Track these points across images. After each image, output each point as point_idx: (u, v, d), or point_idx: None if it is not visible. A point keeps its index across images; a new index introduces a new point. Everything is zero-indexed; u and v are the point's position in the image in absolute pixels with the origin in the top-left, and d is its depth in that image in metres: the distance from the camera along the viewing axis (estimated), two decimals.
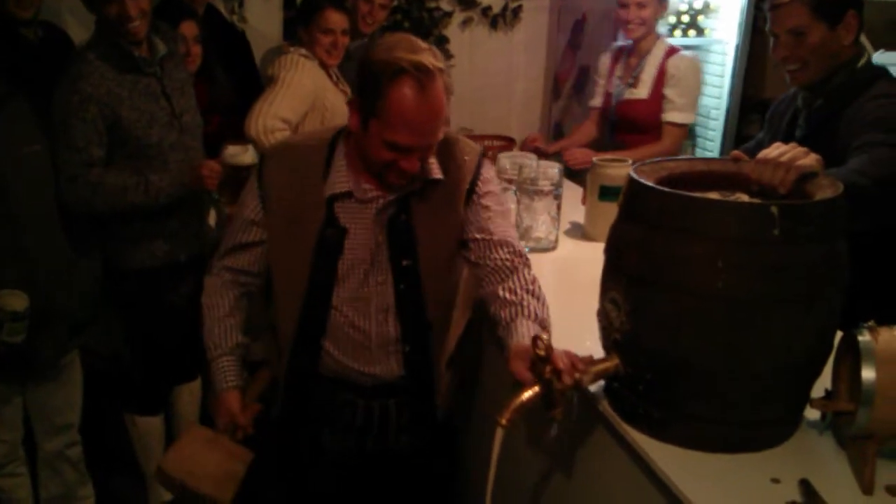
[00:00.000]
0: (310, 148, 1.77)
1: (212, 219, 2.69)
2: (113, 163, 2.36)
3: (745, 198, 1.47)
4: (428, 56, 1.57)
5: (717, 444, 1.34)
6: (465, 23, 4.19)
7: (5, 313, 2.12)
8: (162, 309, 2.54)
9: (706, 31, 4.09)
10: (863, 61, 2.01)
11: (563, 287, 1.60)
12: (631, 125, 3.23)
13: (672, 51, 3.19)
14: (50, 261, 2.28)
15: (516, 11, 4.22)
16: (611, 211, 1.48)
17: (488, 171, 1.81)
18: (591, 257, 1.61)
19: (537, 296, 1.68)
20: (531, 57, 4.37)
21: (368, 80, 1.57)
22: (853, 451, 1.31)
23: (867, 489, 1.23)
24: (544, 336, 1.38)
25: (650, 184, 1.34)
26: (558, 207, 2.32)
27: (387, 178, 1.66)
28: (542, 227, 2.30)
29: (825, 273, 1.27)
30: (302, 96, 2.86)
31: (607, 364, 1.40)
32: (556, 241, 2.34)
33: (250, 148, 2.43)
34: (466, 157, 1.77)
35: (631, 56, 3.27)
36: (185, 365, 2.78)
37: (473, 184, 1.76)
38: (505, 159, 2.49)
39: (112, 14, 2.28)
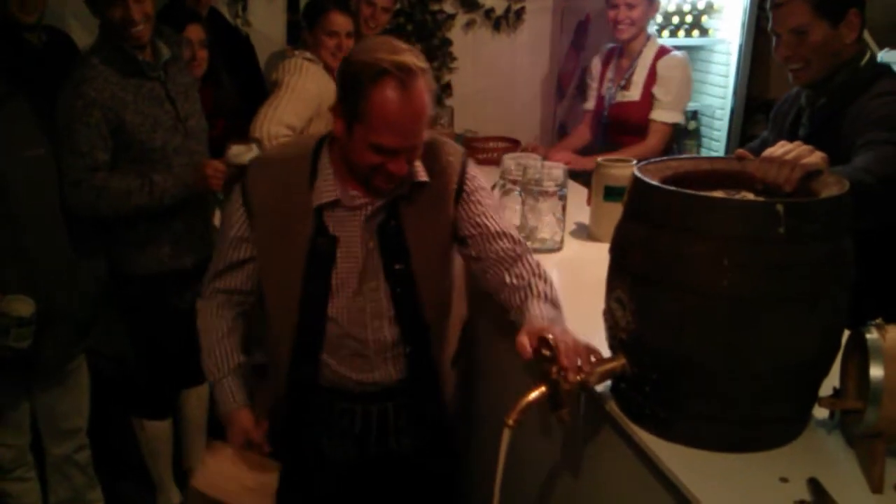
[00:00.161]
0: (293, 158, 1.76)
1: (217, 220, 2.69)
2: (117, 167, 2.37)
3: (750, 196, 1.47)
4: (409, 56, 1.55)
5: (724, 444, 1.33)
6: (469, 25, 4.19)
7: (11, 319, 2.12)
8: (167, 313, 2.54)
9: (710, 32, 4.08)
10: (865, 59, 2.00)
11: (569, 288, 1.60)
12: (624, 127, 3.23)
13: (662, 51, 3.18)
14: (51, 263, 2.28)
15: (519, 13, 4.23)
16: (616, 211, 1.47)
17: (473, 170, 1.80)
18: (596, 258, 1.60)
19: (544, 278, 1.68)
20: (535, 58, 4.37)
21: (350, 84, 1.56)
22: (862, 449, 1.30)
23: (876, 488, 1.23)
24: (550, 336, 1.38)
25: (655, 183, 1.34)
26: (563, 208, 2.31)
27: (374, 183, 1.65)
28: (547, 227, 2.30)
29: (831, 271, 1.27)
30: (306, 101, 2.86)
31: (614, 364, 1.40)
32: (562, 241, 2.34)
33: (254, 147, 2.44)
34: (451, 158, 1.76)
35: (622, 58, 3.27)
36: (192, 369, 2.76)
37: (461, 183, 1.75)
38: (509, 160, 2.48)
39: (116, 18, 2.29)
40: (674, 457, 1.32)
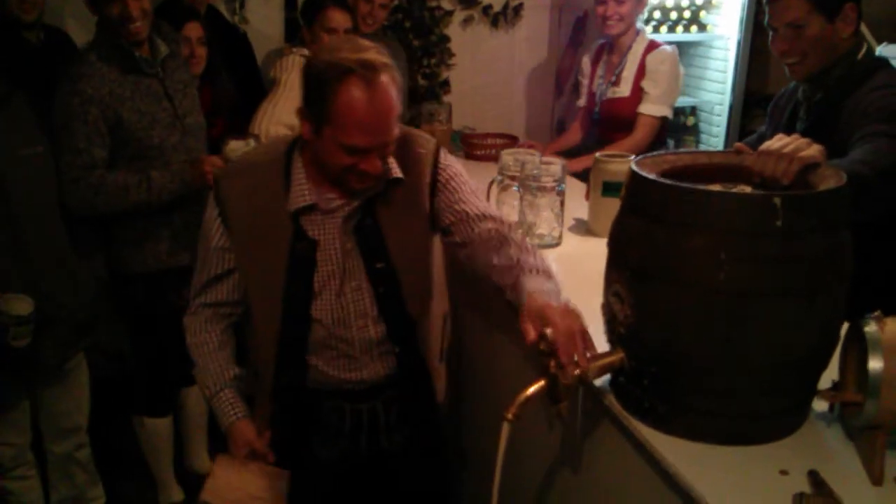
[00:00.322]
0: (265, 164, 1.74)
1: None
2: (115, 164, 2.37)
3: (747, 190, 1.46)
4: (373, 53, 1.54)
5: (723, 437, 1.33)
6: (467, 21, 4.19)
7: (10, 318, 2.12)
8: (166, 311, 2.54)
9: (708, 27, 4.09)
10: (862, 53, 2.00)
11: (568, 283, 1.59)
12: (615, 123, 3.21)
13: (652, 46, 3.17)
14: (51, 262, 2.28)
15: (517, 9, 4.23)
16: (614, 206, 1.47)
17: (446, 158, 1.78)
18: (595, 253, 1.60)
19: (532, 252, 1.66)
20: (533, 55, 4.37)
21: (315, 86, 1.54)
22: (862, 442, 1.30)
23: (876, 480, 1.23)
24: (548, 331, 1.38)
25: (652, 177, 1.34)
26: (561, 204, 2.31)
27: (349, 184, 1.63)
28: (545, 223, 2.30)
29: (828, 264, 1.27)
30: None
31: (612, 358, 1.40)
32: (560, 237, 2.34)
33: (252, 143, 2.43)
34: (422, 150, 1.75)
35: (612, 54, 3.26)
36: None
37: (435, 174, 1.74)
38: (507, 156, 2.48)
39: (114, 14, 2.29)
40: (673, 450, 1.32)
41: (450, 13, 4.13)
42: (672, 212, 1.28)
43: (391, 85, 1.55)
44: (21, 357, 2.19)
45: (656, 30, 3.97)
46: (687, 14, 4.03)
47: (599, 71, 3.31)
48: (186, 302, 1.95)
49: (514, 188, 2.37)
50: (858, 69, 1.98)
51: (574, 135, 3.50)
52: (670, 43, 3.25)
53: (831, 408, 1.40)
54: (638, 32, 3.20)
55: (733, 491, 1.21)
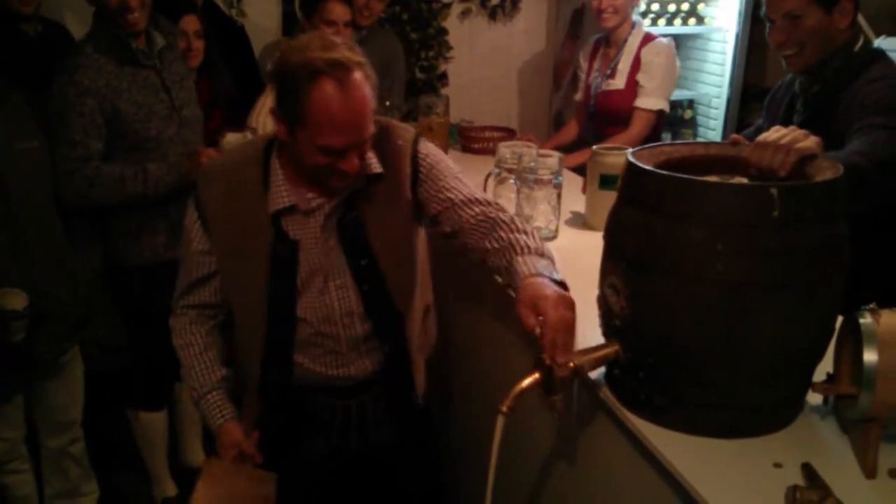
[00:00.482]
0: (242, 165, 1.72)
1: None
2: (111, 156, 2.36)
3: (744, 181, 1.46)
4: (343, 51, 1.51)
5: (718, 430, 1.32)
6: (464, 14, 4.19)
7: (5, 312, 2.11)
8: (163, 305, 2.53)
9: (706, 20, 4.08)
10: (859, 45, 2.00)
11: (565, 276, 1.58)
12: (610, 116, 3.21)
13: (648, 39, 3.16)
14: (47, 256, 2.27)
15: (515, 2, 4.23)
16: (611, 199, 1.46)
17: (425, 147, 1.76)
18: (591, 246, 1.60)
19: (524, 230, 1.64)
20: (531, 48, 4.36)
21: (286, 87, 1.52)
22: (856, 434, 1.30)
23: (870, 473, 1.22)
24: (537, 330, 1.37)
25: (648, 167, 1.33)
26: (558, 196, 2.30)
27: (328, 183, 1.62)
28: (542, 216, 2.29)
29: (826, 256, 1.26)
30: None
31: (607, 350, 1.39)
32: (557, 230, 2.33)
33: (249, 136, 2.43)
34: (401, 142, 1.73)
35: (609, 47, 3.25)
36: None
37: (415, 165, 1.72)
38: (505, 149, 2.48)
39: (112, 4, 2.27)
40: (668, 443, 1.31)
41: (447, 6, 4.12)
42: (669, 203, 1.27)
43: (364, 82, 1.52)
44: (15, 351, 2.18)
45: (654, 22, 3.97)
46: (685, 6, 4.03)
47: (596, 64, 3.30)
48: None
49: (511, 181, 2.36)
50: (855, 61, 1.98)
51: (571, 130, 3.49)
52: (668, 35, 3.24)
53: (825, 400, 1.40)
54: (634, 25, 3.19)
55: (727, 483, 1.21)
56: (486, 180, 2.47)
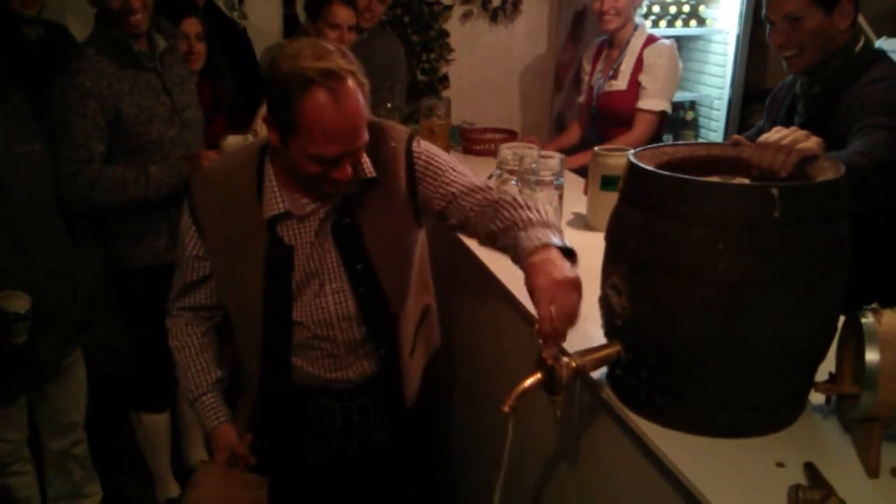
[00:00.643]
0: (236, 171, 1.72)
1: None
2: (113, 158, 2.36)
3: (745, 182, 1.46)
4: (336, 59, 1.49)
5: (720, 429, 1.33)
6: (466, 16, 4.19)
7: (7, 315, 2.11)
8: (165, 308, 2.54)
9: (707, 21, 4.08)
10: (860, 46, 2.00)
11: None
12: (612, 118, 3.21)
13: (650, 40, 3.16)
14: (49, 259, 2.27)
15: (516, 4, 4.23)
16: (612, 200, 1.46)
17: (418, 145, 1.74)
18: (593, 246, 1.60)
19: (525, 205, 1.63)
20: (532, 50, 4.37)
21: (278, 95, 1.50)
22: (858, 434, 1.30)
23: (872, 472, 1.23)
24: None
25: (650, 168, 1.33)
26: (560, 198, 2.30)
27: (321, 190, 1.62)
28: None
29: (827, 256, 1.26)
30: None
31: (609, 351, 1.39)
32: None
33: (250, 138, 2.43)
34: (394, 144, 1.71)
35: (612, 48, 3.25)
36: None
37: (411, 166, 1.71)
38: (506, 150, 2.48)
39: (114, 6, 2.28)
40: (670, 443, 1.31)
41: (448, 8, 4.13)
42: (670, 203, 1.27)
43: (357, 91, 1.51)
44: (18, 354, 2.19)
45: (655, 24, 3.97)
46: (686, 8, 4.03)
47: (599, 66, 3.31)
48: None
49: (513, 182, 2.36)
50: (856, 62, 1.98)
51: (573, 133, 3.49)
52: (669, 37, 3.24)
53: (828, 400, 1.40)
54: (636, 27, 3.19)
55: (730, 483, 1.21)
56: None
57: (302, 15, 3.62)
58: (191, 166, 2.38)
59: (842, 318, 1.35)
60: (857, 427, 1.30)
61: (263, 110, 2.71)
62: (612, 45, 3.25)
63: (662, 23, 4.00)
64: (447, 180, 1.72)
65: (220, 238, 1.72)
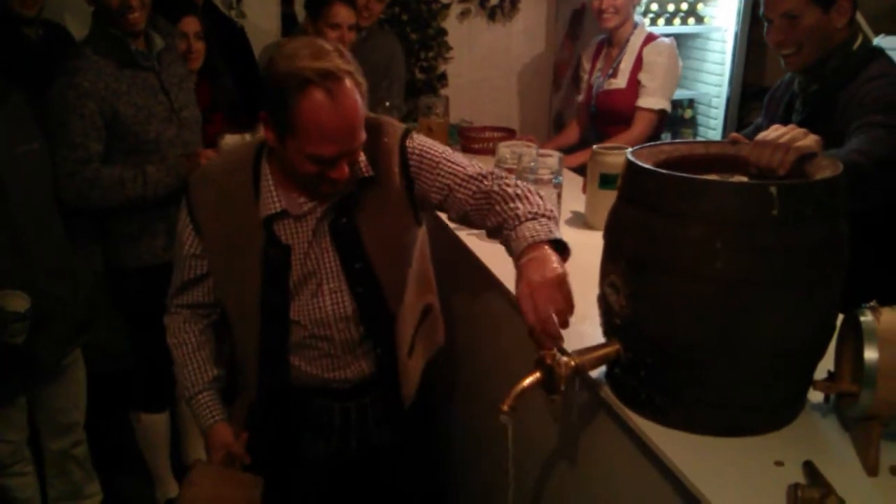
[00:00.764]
0: (233, 170, 1.71)
1: None
2: (111, 158, 2.36)
3: (743, 180, 1.46)
4: (334, 59, 1.49)
5: (719, 428, 1.33)
6: (464, 14, 4.19)
7: (6, 314, 2.11)
8: (163, 306, 2.54)
9: (705, 19, 4.08)
10: (857, 44, 2.00)
11: None
12: (611, 116, 3.21)
13: (650, 38, 3.16)
14: (48, 259, 2.27)
15: (514, 2, 4.23)
16: (611, 199, 1.46)
17: (413, 141, 1.73)
18: (591, 245, 1.60)
19: (515, 195, 1.62)
20: (530, 48, 4.37)
21: (275, 95, 1.49)
22: (857, 432, 1.30)
23: (872, 470, 1.22)
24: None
25: (648, 166, 1.33)
26: (559, 196, 2.30)
27: (318, 190, 1.61)
28: None
29: (825, 254, 1.26)
30: None
31: (608, 350, 1.39)
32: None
33: (248, 137, 2.43)
34: (387, 140, 1.70)
35: (611, 47, 3.25)
36: None
37: (405, 161, 1.70)
38: (504, 149, 2.48)
39: (113, 4, 2.27)
40: (669, 442, 1.31)
41: (447, 6, 4.13)
42: (668, 201, 1.27)
43: (354, 91, 1.50)
44: (18, 354, 2.19)
45: (654, 22, 3.97)
46: (684, 6, 4.03)
47: (598, 64, 3.30)
48: None
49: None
50: (854, 60, 1.98)
51: (572, 133, 3.49)
52: (667, 35, 3.24)
53: (827, 398, 1.40)
54: (636, 25, 3.19)
55: (728, 482, 1.21)
56: None
57: (300, 14, 3.62)
58: (189, 165, 2.37)
59: (841, 317, 1.35)
60: (856, 425, 1.30)
61: None
62: (612, 43, 3.24)
63: (661, 21, 4.00)
64: (442, 172, 1.71)
65: (218, 237, 1.72)
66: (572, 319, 1.44)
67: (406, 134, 1.74)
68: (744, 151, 1.50)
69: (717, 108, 4.15)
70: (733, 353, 1.27)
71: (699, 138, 4.20)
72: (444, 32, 4.16)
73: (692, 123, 4.35)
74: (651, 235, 1.29)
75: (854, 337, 1.30)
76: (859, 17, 2.07)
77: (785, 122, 1.72)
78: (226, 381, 1.89)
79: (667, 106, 3.18)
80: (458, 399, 2.41)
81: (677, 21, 4.03)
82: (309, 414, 1.85)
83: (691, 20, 4.05)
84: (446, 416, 2.41)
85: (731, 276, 1.22)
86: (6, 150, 2.16)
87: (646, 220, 1.30)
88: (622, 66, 3.17)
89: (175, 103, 2.47)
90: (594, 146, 2.44)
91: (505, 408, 1.35)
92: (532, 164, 2.28)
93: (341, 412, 1.85)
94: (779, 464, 1.25)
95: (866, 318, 1.26)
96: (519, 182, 1.69)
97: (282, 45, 1.60)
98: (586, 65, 3.40)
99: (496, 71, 4.33)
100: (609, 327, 1.43)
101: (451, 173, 1.70)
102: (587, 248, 1.61)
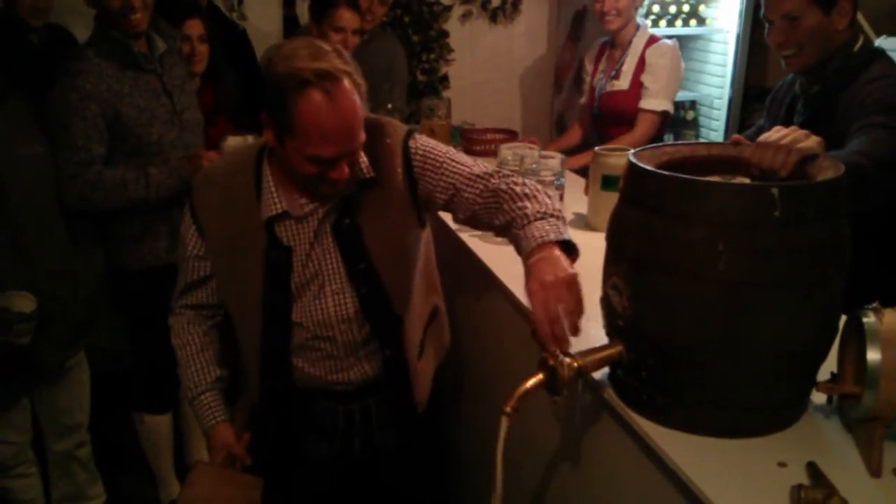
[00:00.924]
0: (235, 172, 1.72)
1: None
2: (113, 160, 2.37)
3: (745, 181, 1.46)
4: (332, 59, 1.49)
5: (722, 430, 1.33)
6: (465, 16, 4.19)
7: (12, 315, 2.12)
8: (166, 308, 2.54)
9: (707, 21, 4.09)
10: (858, 45, 2.00)
11: None
12: (614, 118, 3.21)
13: (653, 40, 3.17)
14: (50, 260, 2.28)
15: (516, 4, 4.23)
16: (613, 200, 1.46)
17: (415, 141, 1.72)
18: (594, 247, 1.60)
19: (527, 194, 1.62)
20: (531, 50, 4.37)
21: (274, 96, 1.49)
22: (860, 433, 1.30)
23: (875, 472, 1.22)
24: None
25: (650, 168, 1.33)
26: (561, 198, 2.31)
27: (319, 190, 1.61)
28: None
29: (827, 255, 1.26)
30: None
31: (611, 351, 1.39)
32: None
33: (250, 139, 2.43)
34: (389, 141, 1.70)
35: (614, 49, 3.25)
36: None
37: (408, 162, 1.70)
38: (506, 150, 2.48)
39: (115, 6, 2.28)
40: (671, 443, 1.31)
41: (448, 8, 4.13)
42: (670, 203, 1.27)
43: (353, 91, 1.50)
44: (21, 355, 2.19)
45: (655, 24, 3.97)
46: (686, 8, 4.03)
47: (601, 66, 3.31)
48: None
49: None
50: (855, 61, 1.98)
51: (574, 135, 3.49)
52: (669, 37, 3.24)
53: (829, 400, 1.40)
54: (638, 27, 3.19)
55: (731, 483, 1.21)
56: None
57: (301, 16, 3.63)
58: (191, 167, 2.38)
59: (843, 318, 1.35)
60: (859, 427, 1.30)
61: None
62: (614, 45, 3.24)
63: (662, 22, 4.00)
64: (447, 172, 1.70)
65: (221, 238, 1.72)
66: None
67: (409, 135, 1.73)
68: (746, 153, 1.50)
69: (718, 109, 4.15)
70: (735, 355, 1.27)
71: (701, 140, 4.21)
72: (445, 34, 4.16)
73: (694, 125, 4.35)
74: (653, 237, 1.29)
75: (857, 338, 1.30)
76: (860, 19, 2.07)
77: (787, 124, 1.72)
78: (228, 381, 1.90)
79: (669, 107, 3.18)
80: (462, 401, 2.41)
81: (679, 23, 4.03)
82: (312, 416, 1.85)
83: (693, 22, 4.05)
84: (451, 419, 2.41)
85: (732, 278, 1.22)
86: (6, 151, 2.17)
87: (648, 221, 1.30)
88: (625, 67, 3.16)
89: (177, 105, 2.48)
90: (596, 148, 2.44)
91: (508, 409, 1.36)
92: (534, 165, 2.28)
93: (345, 414, 1.85)
94: (782, 465, 1.25)
95: (869, 319, 1.26)
96: (526, 181, 1.68)
97: (280, 45, 1.60)
98: (588, 67, 3.40)
99: (498, 73, 4.33)
100: (612, 328, 1.43)
101: (456, 173, 1.70)
102: (590, 250, 1.60)
